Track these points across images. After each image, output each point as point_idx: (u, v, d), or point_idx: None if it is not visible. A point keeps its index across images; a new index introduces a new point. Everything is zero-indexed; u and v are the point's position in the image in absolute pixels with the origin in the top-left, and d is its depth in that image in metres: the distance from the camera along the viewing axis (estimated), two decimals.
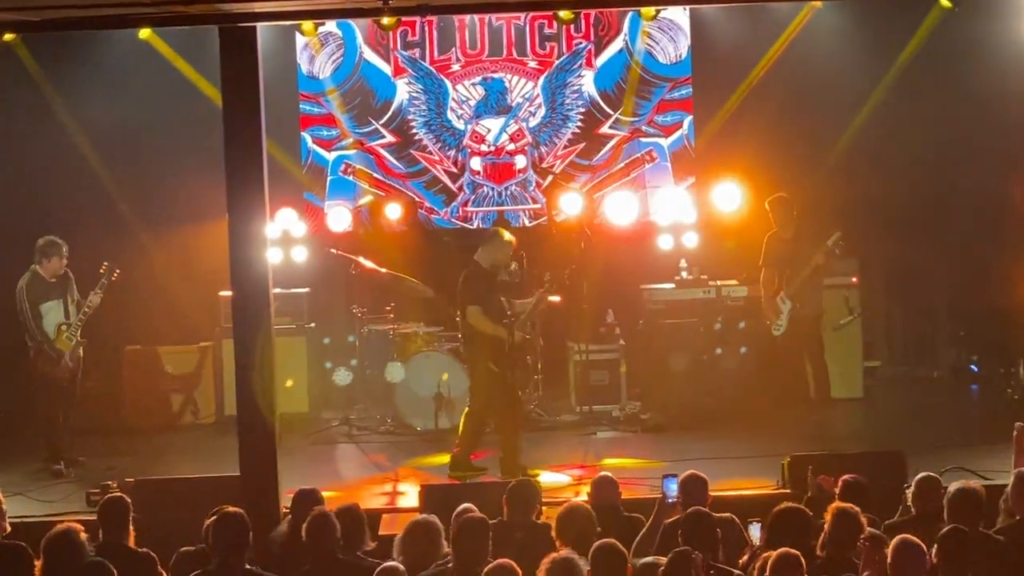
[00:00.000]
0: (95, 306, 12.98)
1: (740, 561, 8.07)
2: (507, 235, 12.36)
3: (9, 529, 8.61)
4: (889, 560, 7.30)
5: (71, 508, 11.16)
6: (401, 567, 7.43)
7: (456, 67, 16.49)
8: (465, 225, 16.45)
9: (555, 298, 12.64)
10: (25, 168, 15.45)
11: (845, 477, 8.72)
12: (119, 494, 8.85)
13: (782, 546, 7.32)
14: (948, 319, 15.89)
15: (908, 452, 10.73)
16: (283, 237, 15.58)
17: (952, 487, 8.22)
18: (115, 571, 7.29)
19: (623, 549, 7.26)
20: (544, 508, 9.17)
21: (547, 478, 11.79)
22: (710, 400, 14.32)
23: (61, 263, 12.99)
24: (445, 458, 12.72)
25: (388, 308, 14.62)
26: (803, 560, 7.16)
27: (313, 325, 15.20)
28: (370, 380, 14.78)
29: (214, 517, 7.91)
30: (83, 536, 7.66)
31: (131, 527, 8.40)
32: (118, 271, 13.02)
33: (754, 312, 14.52)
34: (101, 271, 12.96)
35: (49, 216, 14.74)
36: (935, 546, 7.37)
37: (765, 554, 7.63)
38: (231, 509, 7.91)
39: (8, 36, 14.25)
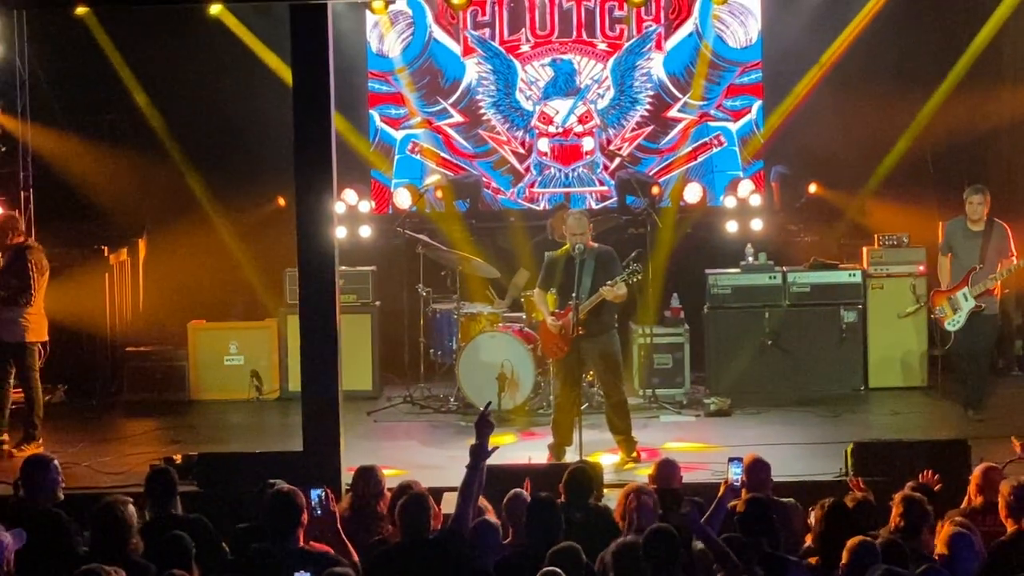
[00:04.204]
0: None
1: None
2: (571, 211, 12.45)
3: (63, 498, 8.64)
4: (939, 549, 7.25)
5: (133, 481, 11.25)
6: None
7: (525, 48, 16.47)
8: (531, 206, 16.43)
9: (620, 292, 12.12)
10: (96, 143, 15.61)
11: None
12: (163, 466, 9.05)
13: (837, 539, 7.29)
14: (1016, 309, 15.73)
15: (972, 442, 10.66)
16: (349, 215, 15.64)
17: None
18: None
19: (677, 534, 7.24)
20: (607, 491, 9.18)
21: (608, 460, 11.79)
22: (778, 386, 14.30)
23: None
24: (507, 438, 12.75)
25: (453, 288, 14.59)
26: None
27: (378, 303, 15.22)
28: (434, 360, 14.82)
29: (269, 495, 7.95)
30: (131, 508, 7.77)
31: (177, 498, 8.56)
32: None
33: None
34: None
35: (120, 192, 14.82)
36: None
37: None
38: (285, 487, 7.93)
39: (81, 9, 14.41)
